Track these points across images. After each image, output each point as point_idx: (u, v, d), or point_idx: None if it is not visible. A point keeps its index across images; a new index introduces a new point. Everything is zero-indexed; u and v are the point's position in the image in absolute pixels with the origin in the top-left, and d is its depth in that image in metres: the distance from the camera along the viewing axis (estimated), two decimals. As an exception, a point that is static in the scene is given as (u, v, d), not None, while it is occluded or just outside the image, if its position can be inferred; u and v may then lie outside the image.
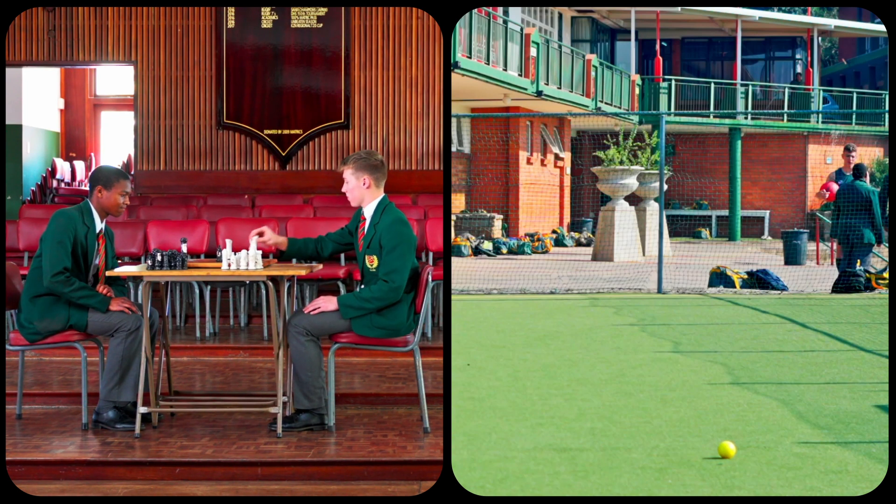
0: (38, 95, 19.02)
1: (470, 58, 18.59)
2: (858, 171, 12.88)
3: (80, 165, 20.33)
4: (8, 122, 16.70)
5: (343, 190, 6.18)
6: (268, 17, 14.11)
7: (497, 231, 22.17)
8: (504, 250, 20.68)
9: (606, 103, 25.81)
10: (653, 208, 21.01)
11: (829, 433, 5.52)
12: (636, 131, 20.55)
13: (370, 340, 6.10)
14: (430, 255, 9.71)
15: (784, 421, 5.79)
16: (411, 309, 6.10)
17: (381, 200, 6.13)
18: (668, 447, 5.21)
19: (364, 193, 6.11)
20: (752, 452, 5.10)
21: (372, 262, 6.01)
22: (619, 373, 7.26)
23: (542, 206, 25.38)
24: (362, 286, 6.12)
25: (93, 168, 20.89)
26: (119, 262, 6.62)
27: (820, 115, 30.09)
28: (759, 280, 13.12)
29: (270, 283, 6.09)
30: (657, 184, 19.08)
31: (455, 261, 18.21)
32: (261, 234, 6.17)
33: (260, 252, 6.08)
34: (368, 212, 6.13)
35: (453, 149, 22.55)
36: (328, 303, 6.00)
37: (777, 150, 30.78)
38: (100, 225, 6.29)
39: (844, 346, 8.66)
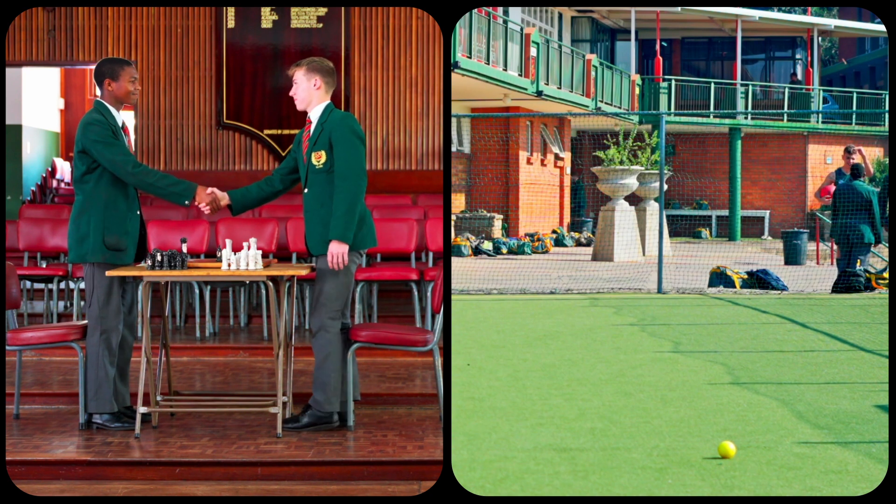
0: (38, 95, 19.01)
1: (470, 58, 18.59)
2: (857, 171, 12.89)
3: (80, 166, 20.30)
4: (8, 122, 16.69)
5: (291, 93, 6.12)
6: (268, 17, 14.10)
7: (497, 231, 22.16)
8: (504, 250, 20.67)
9: (606, 103, 25.81)
10: (653, 208, 21.01)
11: (829, 433, 5.52)
12: (636, 131, 20.55)
13: (387, 337, 6.11)
14: (431, 255, 9.71)
15: (784, 421, 5.78)
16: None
17: (329, 105, 6.08)
18: (668, 447, 5.21)
19: (313, 95, 6.06)
20: (752, 452, 5.10)
21: (319, 157, 5.95)
22: (619, 373, 7.26)
23: (542, 206, 25.37)
24: (305, 191, 6.05)
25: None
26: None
27: (820, 115, 30.08)
28: (759, 280, 13.12)
29: (270, 283, 6.09)
30: (657, 184, 19.08)
31: (455, 261, 18.21)
32: (211, 204, 6.12)
33: (260, 252, 6.08)
34: (315, 114, 6.07)
35: (453, 149, 22.55)
36: (336, 248, 5.89)
37: (777, 150, 30.79)
38: (120, 118, 6.21)
39: (844, 346, 8.66)
